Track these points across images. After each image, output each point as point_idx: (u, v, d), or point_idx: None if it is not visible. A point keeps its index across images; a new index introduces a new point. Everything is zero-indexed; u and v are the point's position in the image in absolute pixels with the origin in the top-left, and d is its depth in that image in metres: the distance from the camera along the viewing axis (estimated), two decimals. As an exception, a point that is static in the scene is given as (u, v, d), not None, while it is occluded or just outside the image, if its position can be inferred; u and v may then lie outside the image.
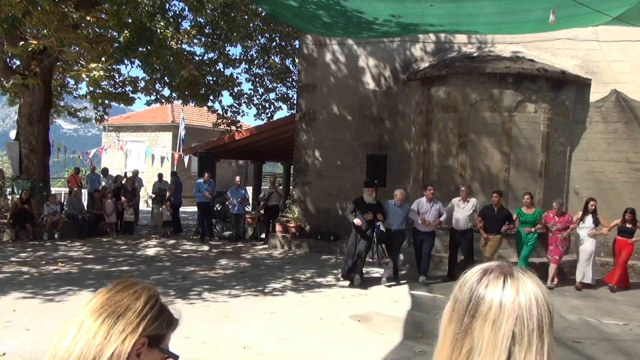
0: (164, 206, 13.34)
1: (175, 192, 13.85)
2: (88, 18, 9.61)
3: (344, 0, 5.96)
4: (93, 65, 8.34)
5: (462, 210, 8.80)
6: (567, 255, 8.97)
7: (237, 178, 13.07)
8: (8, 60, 12.78)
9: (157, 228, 13.38)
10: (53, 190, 15.93)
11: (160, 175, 15.36)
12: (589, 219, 8.63)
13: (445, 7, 5.76)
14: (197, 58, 13.91)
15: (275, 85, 17.25)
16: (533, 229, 8.61)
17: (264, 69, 16.76)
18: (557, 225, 8.61)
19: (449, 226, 9.03)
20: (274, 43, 16.26)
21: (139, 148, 24.51)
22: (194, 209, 15.53)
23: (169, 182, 14.57)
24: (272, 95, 17.39)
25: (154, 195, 14.80)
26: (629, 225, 8.54)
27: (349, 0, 5.96)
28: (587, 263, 8.56)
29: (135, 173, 15.79)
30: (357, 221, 8.15)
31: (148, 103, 15.97)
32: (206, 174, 12.78)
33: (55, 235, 11.75)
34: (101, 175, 15.73)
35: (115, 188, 14.17)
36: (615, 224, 8.68)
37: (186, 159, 19.35)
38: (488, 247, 8.61)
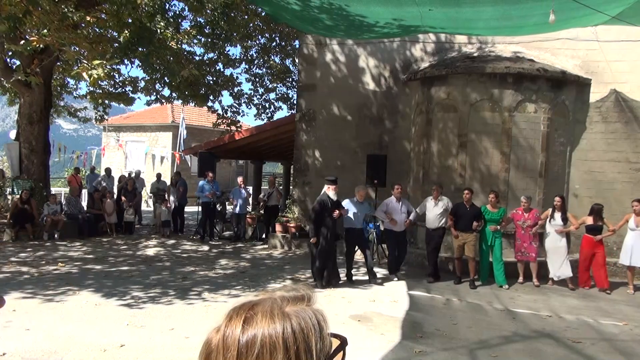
0: (163, 206, 13.34)
1: (182, 193, 13.89)
2: (88, 18, 9.61)
3: (346, 5, 5.96)
4: (96, 62, 8.34)
5: (433, 209, 8.86)
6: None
7: (240, 178, 13.10)
8: (8, 60, 12.79)
9: (158, 228, 13.38)
10: (53, 190, 15.93)
11: (158, 175, 15.37)
12: (557, 216, 8.64)
13: (444, 12, 5.77)
14: (197, 58, 13.92)
15: (275, 85, 17.26)
16: (499, 227, 8.62)
17: (264, 69, 16.78)
18: (528, 222, 8.62)
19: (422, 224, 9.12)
20: (274, 43, 16.27)
21: (139, 148, 24.54)
22: (194, 209, 15.55)
23: (168, 183, 14.59)
24: (272, 95, 17.42)
25: (152, 195, 14.81)
26: (599, 223, 8.52)
27: (350, 5, 5.96)
28: (560, 259, 8.57)
29: (138, 173, 15.79)
30: (336, 214, 8.06)
31: (148, 103, 15.99)
32: (210, 175, 12.78)
33: (55, 235, 11.75)
34: (100, 176, 15.73)
35: (119, 188, 14.21)
36: (583, 221, 8.66)
37: (188, 158, 19.38)
38: (469, 246, 8.58)
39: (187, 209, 19.37)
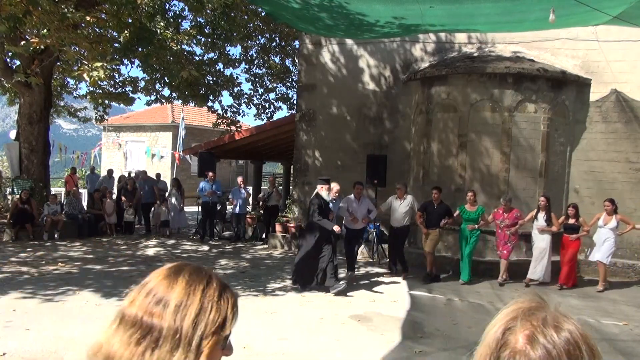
0: (162, 206, 13.33)
1: (147, 192, 13.81)
2: (88, 18, 9.61)
3: (346, 3, 5.95)
4: (98, 64, 8.34)
5: (399, 208, 8.98)
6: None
7: (240, 178, 13.10)
8: (8, 60, 12.78)
9: (157, 228, 13.37)
10: (53, 190, 15.93)
11: (158, 175, 15.36)
12: (540, 217, 8.69)
13: (445, 8, 5.77)
14: (197, 58, 13.91)
15: (275, 85, 17.25)
16: (476, 226, 8.66)
17: (264, 69, 16.76)
18: (506, 222, 8.64)
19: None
20: (274, 43, 16.26)
21: (139, 148, 24.52)
22: (194, 209, 15.54)
23: (168, 183, 14.58)
24: (272, 95, 17.40)
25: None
26: (572, 221, 8.57)
27: (351, 3, 5.95)
28: (539, 260, 8.61)
29: (138, 174, 15.76)
30: (337, 228, 7.82)
31: (148, 103, 15.97)
32: (210, 174, 12.77)
33: (55, 235, 11.75)
34: (101, 177, 15.73)
35: (119, 188, 14.19)
36: (562, 221, 8.71)
37: (187, 158, 19.36)
38: (428, 241, 8.77)
39: (186, 209, 19.35)
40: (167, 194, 14.05)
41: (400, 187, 9.14)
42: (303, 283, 7.87)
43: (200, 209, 13.06)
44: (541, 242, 8.64)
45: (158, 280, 0.96)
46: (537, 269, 8.64)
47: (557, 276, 8.66)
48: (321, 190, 8.07)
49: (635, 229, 8.58)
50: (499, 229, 8.74)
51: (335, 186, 8.41)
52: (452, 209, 8.83)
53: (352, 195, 8.91)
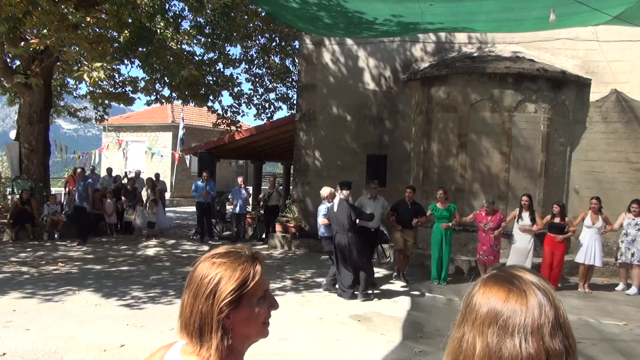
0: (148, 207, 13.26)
1: (79, 193, 11.79)
2: (88, 18, 9.61)
3: (345, 2, 5.95)
4: (97, 64, 8.35)
5: (373, 209, 8.32)
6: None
7: (240, 178, 13.10)
8: (8, 60, 12.78)
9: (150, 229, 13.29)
10: (53, 190, 15.93)
11: (157, 175, 15.36)
12: (526, 216, 8.39)
13: (445, 6, 5.77)
14: (197, 58, 13.92)
15: (275, 85, 17.26)
16: (450, 224, 8.46)
17: (264, 69, 16.77)
18: (490, 224, 8.34)
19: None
20: (274, 43, 16.27)
21: (139, 148, 24.52)
22: (194, 209, 15.53)
23: (167, 183, 14.51)
24: (272, 95, 17.42)
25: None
26: (557, 220, 8.31)
27: (349, 2, 5.96)
28: (521, 262, 8.15)
29: (138, 174, 15.76)
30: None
31: (148, 103, 15.99)
32: (205, 174, 12.77)
33: (55, 235, 11.75)
34: (101, 175, 15.72)
35: (115, 188, 14.16)
36: (547, 220, 8.42)
37: (187, 158, 19.36)
38: (410, 244, 8.56)
39: (186, 209, 19.36)
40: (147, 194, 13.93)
41: (374, 187, 8.71)
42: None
43: (195, 209, 13.04)
44: (525, 243, 8.32)
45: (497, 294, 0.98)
46: None
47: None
48: (348, 195, 7.55)
49: (612, 230, 8.53)
50: (483, 232, 8.43)
51: (327, 190, 8.02)
52: (424, 209, 8.65)
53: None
